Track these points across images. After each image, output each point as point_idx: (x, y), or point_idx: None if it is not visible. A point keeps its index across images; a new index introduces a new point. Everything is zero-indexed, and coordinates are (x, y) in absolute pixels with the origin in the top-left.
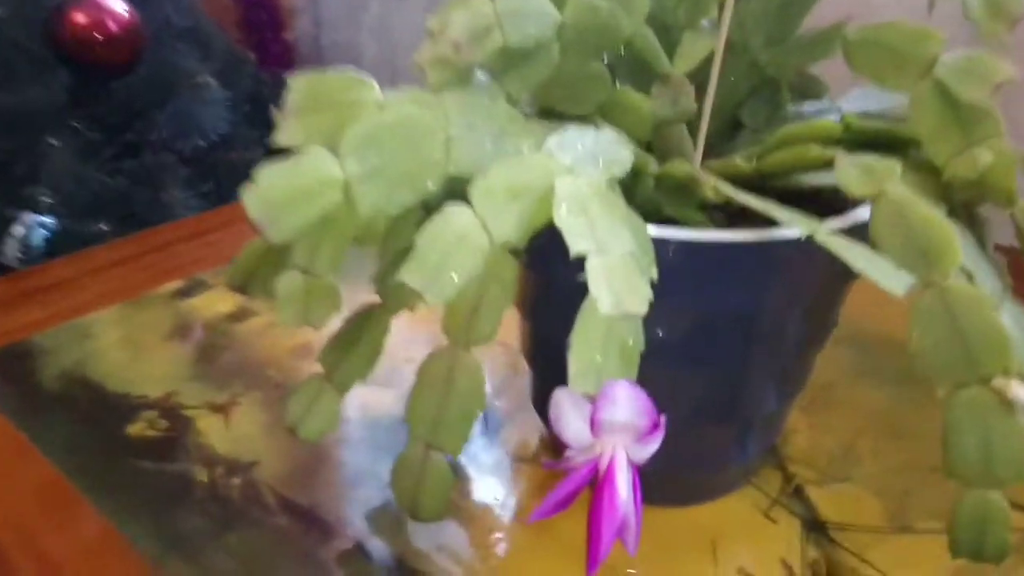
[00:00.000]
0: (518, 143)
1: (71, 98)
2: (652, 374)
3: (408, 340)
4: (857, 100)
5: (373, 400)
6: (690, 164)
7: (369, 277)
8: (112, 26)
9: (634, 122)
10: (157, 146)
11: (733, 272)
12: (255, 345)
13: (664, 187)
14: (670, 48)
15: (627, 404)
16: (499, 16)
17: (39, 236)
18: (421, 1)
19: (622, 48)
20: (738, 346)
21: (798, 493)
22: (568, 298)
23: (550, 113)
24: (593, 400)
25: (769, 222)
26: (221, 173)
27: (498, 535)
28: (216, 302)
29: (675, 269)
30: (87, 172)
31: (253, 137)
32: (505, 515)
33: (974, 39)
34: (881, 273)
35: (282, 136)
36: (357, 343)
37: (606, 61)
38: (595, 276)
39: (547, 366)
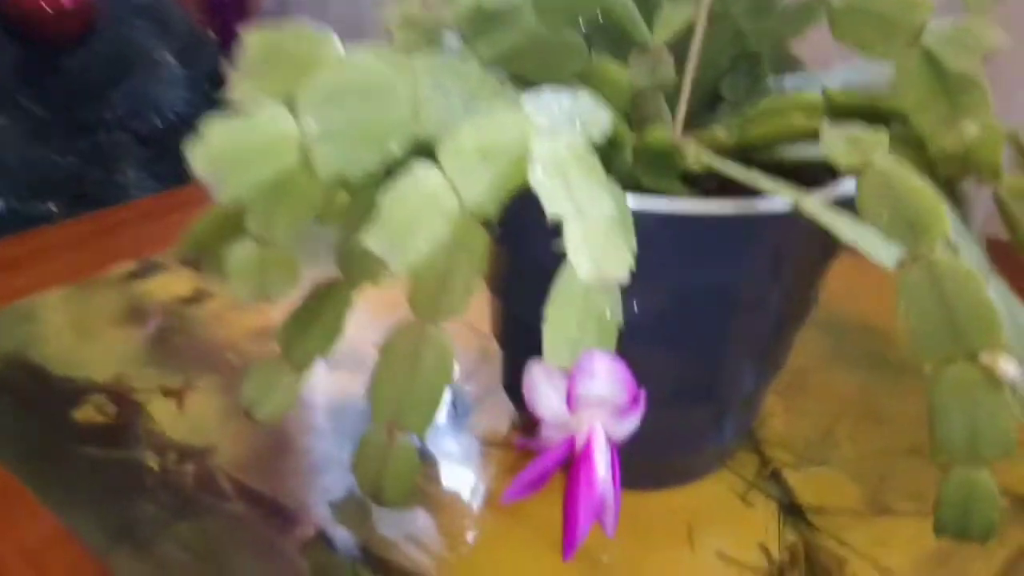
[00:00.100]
0: (491, 106)
1: (19, 74)
2: (627, 352)
3: (375, 323)
4: (838, 75)
5: (338, 385)
6: (670, 131)
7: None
8: None
9: (611, 93)
10: (111, 125)
11: (714, 245)
12: (212, 328)
13: (643, 158)
14: (649, 16)
15: (605, 377)
16: None
17: None
18: None
19: (599, 15)
20: (717, 322)
21: (775, 477)
22: (542, 274)
23: (523, 82)
24: (569, 374)
25: (751, 195)
26: (179, 154)
27: (468, 523)
28: (171, 284)
29: (654, 241)
30: (36, 151)
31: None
32: (475, 502)
33: (960, 7)
34: (870, 244)
35: (235, 95)
36: (317, 319)
37: (582, 29)
38: (573, 241)
39: (519, 347)
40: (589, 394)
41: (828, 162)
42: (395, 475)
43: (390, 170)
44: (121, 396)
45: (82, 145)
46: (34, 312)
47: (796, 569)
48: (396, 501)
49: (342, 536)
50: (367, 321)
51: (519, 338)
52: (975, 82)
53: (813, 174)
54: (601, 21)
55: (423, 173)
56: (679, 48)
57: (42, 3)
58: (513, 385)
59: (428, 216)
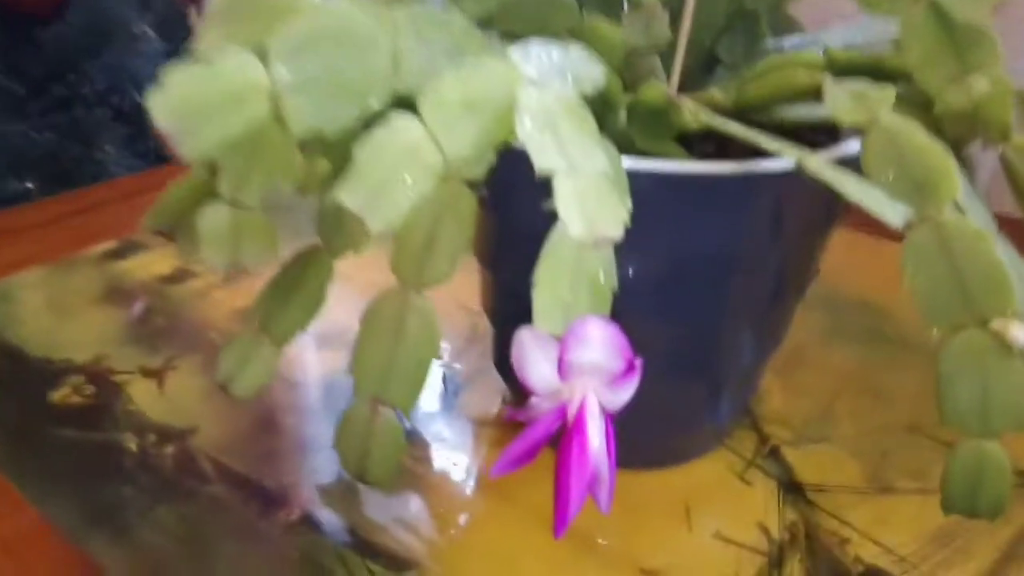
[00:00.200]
0: (476, 59)
1: None
2: (620, 323)
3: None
4: (839, 35)
5: (325, 364)
6: (666, 87)
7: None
8: None
9: (603, 52)
10: (90, 100)
11: (712, 208)
12: (194, 307)
13: (637, 117)
14: None
15: (599, 343)
16: None
17: None
18: None
19: None
20: (715, 292)
21: (774, 454)
22: (532, 240)
23: (511, 40)
24: (560, 340)
25: (750, 157)
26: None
27: (459, 505)
28: (152, 264)
29: (649, 205)
30: (11, 128)
31: None
32: (467, 483)
33: None
34: (876, 203)
35: (201, 45)
36: (297, 290)
37: None
38: (564, 197)
39: (510, 321)
40: (582, 361)
41: (829, 124)
42: (380, 452)
43: (369, 126)
44: (100, 377)
45: (59, 121)
46: (11, 292)
47: (796, 548)
48: (381, 480)
49: (328, 519)
50: (356, 298)
51: (510, 311)
52: (985, 34)
53: (813, 139)
54: None
55: (402, 124)
56: (674, 5)
57: None
58: (504, 362)
59: (408, 171)
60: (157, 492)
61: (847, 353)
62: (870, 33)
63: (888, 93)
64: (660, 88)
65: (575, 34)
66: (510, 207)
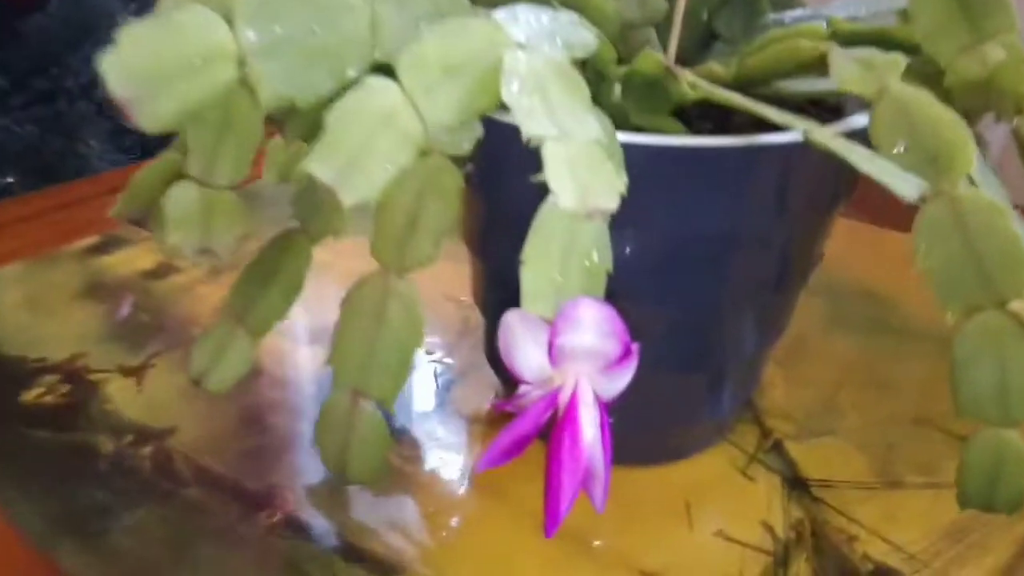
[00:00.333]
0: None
1: None
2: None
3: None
4: (842, 7)
5: (311, 361)
6: (662, 56)
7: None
8: None
9: (597, 24)
10: (73, 93)
11: (712, 186)
12: (177, 303)
13: (632, 90)
14: None
15: (592, 326)
16: None
17: None
18: None
19: None
20: (715, 276)
21: (777, 449)
22: (522, 223)
23: None
24: (551, 323)
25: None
26: None
27: (451, 506)
28: (134, 259)
29: (646, 182)
30: None
31: None
32: (458, 482)
33: None
34: (889, 175)
35: (165, 5)
36: (273, 278)
37: None
38: (554, 165)
39: (501, 310)
40: (574, 345)
41: (833, 101)
42: (362, 447)
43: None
44: (75, 376)
45: (41, 115)
46: None
47: (802, 547)
48: (364, 477)
49: (312, 521)
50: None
51: (501, 300)
52: (999, 1)
53: (816, 117)
54: None
55: (378, 87)
56: None
57: None
58: (497, 355)
59: (385, 139)
60: (132, 495)
61: (850, 343)
62: (874, 5)
63: (897, 60)
64: (656, 57)
65: (567, 5)
66: (499, 187)
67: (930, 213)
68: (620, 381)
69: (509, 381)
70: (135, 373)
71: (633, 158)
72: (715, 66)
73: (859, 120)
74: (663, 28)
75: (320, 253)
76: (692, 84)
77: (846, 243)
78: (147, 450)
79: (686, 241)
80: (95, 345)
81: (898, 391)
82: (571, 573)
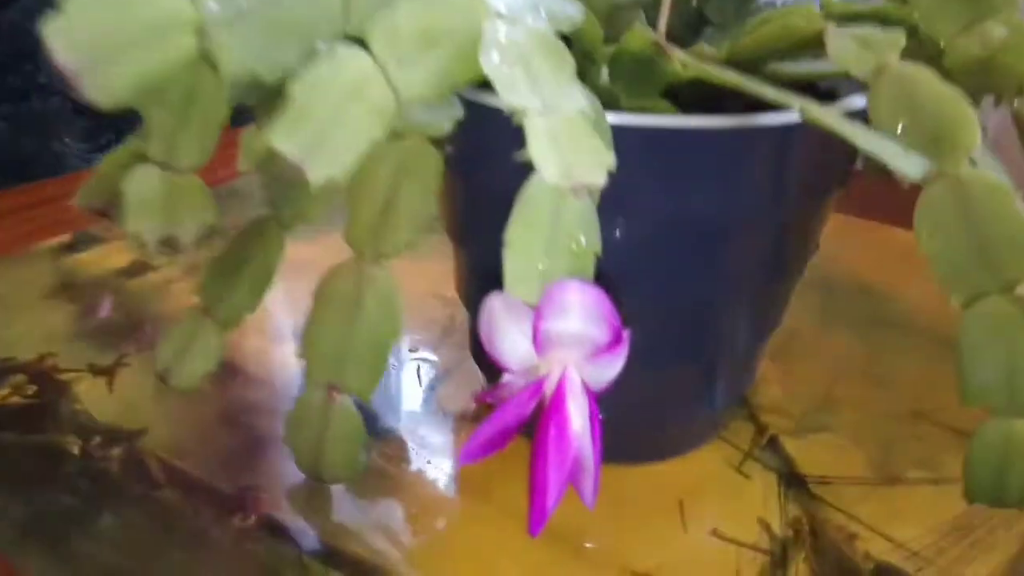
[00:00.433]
0: None
1: None
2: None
3: None
4: None
5: (286, 358)
6: (652, 32)
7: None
8: None
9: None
10: (46, 90)
11: (705, 169)
12: (152, 301)
13: (621, 70)
14: None
15: (580, 310)
16: None
17: None
18: None
19: None
20: (709, 263)
21: (772, 445)
22: (508, 211)
23: None
24: (536, 307)
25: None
26: (123, 124)
27: (435, 506)
28: (107, 257)
29: (635, 165)
30: None
31: None
32: (443, 483)
33: None
34: (891, 154)
35: None
36: (243, 268)
37: None
38: (537, 138)
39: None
40: (560, 331)
41: (828, 82)
42: (337, 445)
43: None
44: (44, 376)
45: (14, 111)
46: None
47: (800, 545)
48: (339, 475)
49: (289, 524)
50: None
51: (485, 292)
52: None
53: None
54: None
55: (348, 56)
56: None
57: None
58: (481, 351)
59: (355, 111)
60: (99, 498)
61: (846, 339)
62: None
63: (897, 37)
64: (645, 34)
65: None
66: (482, 172)
67: (932, 195)
68: (610, 369)
69: (494, 376)
70: (106, 373)
71: (622, 140)
72: (706, 47)
73: (856, 102)
74: (651, 10)
75: (301, 250)
76: (683, 63)
77: (840, 238)
78: (117, 452)
79: (677, 228)
80: (65, 344)
81: (896, 386)
82: (560, 574)
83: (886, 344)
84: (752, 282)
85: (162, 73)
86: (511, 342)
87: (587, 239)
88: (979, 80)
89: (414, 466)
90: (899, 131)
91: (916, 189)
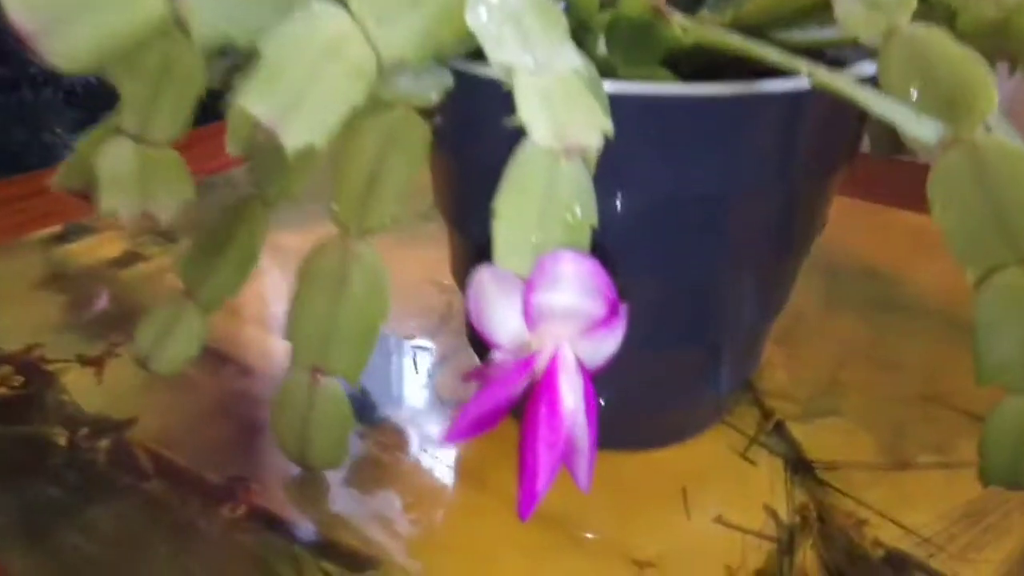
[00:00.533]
0: None
1: None
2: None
3: None
4: None
5: (277, 346)
6: None
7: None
8: None
9: None
10: (37, 81)
11: (707, 139)
12: (142, 291)
13: (618, 37)
14: None
15: (573, 282)
16: None
17: None
18: None
19: None
20: (711, 239)
21: (779, 430)
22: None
23: None
24: (527, 280)
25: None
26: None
27: (432, 495)
28: (98, 247)
29: (634, 136)
30: None
31: None
32: (440, 471)
33: None
34: (905, 118)
35: None
36: (226, 248)
37: None
38: (527, 98)
39: None
40: (552, 304)
41: (836, 50)
42: (323, 429)
43: None
44: (31, 366)
45: (4, 102)
46: None
47: (808, 532)
48: (325, 460)
49: (280, 514)
50: None
51: None
52: None
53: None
54: None
55: (323, 12)
56: None
57: None
58: (477, 337)
59: (332, 72)
60: (85, 490)
61: (853, 322)
62: None
63: None
64: None
65: None
66: (475, 148)
67: (947, 163)
68: (606, 346)
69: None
70: (95, 363)
71: (620, 109)
72: (707, 14)
73: (866, 68)
74: None
75: (295, 238)
76: (683, 27)
77: (846, 221)
78: (104, 443)
79: (679, 202)
80: (54, 335)
81: (904, 369)
82: (560, 564)
83: (893, 327)
84: (756, 259)
85: (128, 37)
86: (501, 317)
87: (582, 210)
88: (993, 44)
89: (410, 455)
90: (912, 97)
91: (922, 170)
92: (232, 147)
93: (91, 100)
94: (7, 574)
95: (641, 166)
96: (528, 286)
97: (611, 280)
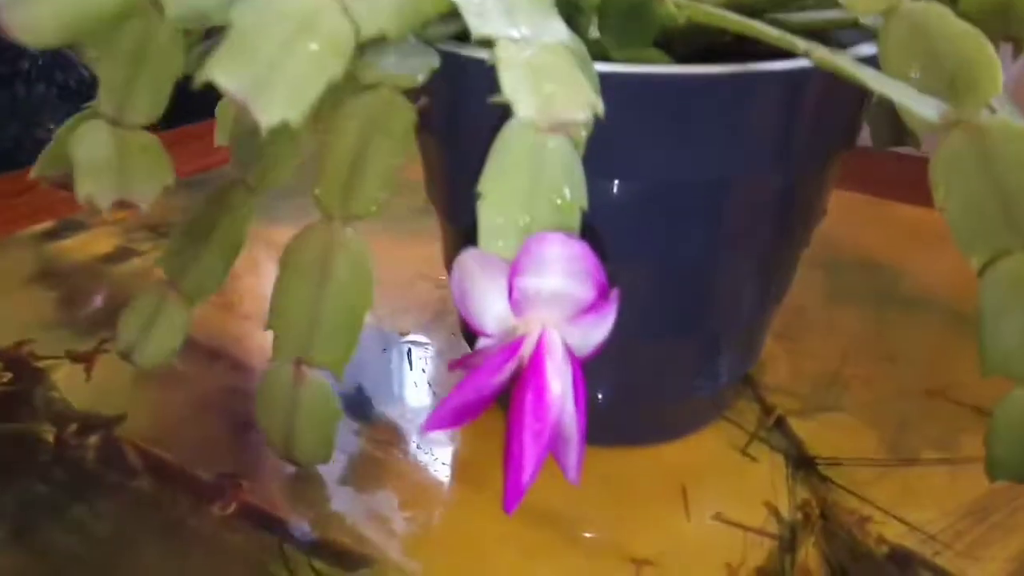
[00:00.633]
0: None
1: None
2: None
3: None
4: None
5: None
6: None
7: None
8: None
9: None
10: (30, 76)
11: (703, 122)
12: (134, 287)
13: (610, 20)
14: None
15: (560, 264)
16: None
17: None
18: None
19: None
20: (708, 226)
21: (780, 426)
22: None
23: None
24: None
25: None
26: None
27: (426, 492)
28: (91, 243)
29: (627, 119)
30: None
31: None
32: (434, 469)
33: None
34: (905, 96)
35: None
36: (209, 237)
37: None
38: (510, 71)
39: None
40: (539, 288)
41: (837, 31)
42: (308, 424)
43: None
44: (20, 363)
45: None
46: None
47: (810, 529)
48: (313, 456)
49: (270, 512)
50: None
51: None
52: None
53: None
54: None
55: None
56: None
57: None
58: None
59: (307, 44)
60: (72, 488)
61: (855, 316)
62: None
63: None
64: None
65: None
66: (464, 132)
67: (950, 146)
68: (596, 332)
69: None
70: (85, 359)
71: (613, 91)
72: None
73: (866, 49)
74: None
75: (288, 233)
76: (677, 4)
77: (847, 214)
78: (93, 439)
79: (673, 188)
80: (44, 331)
81: (908, 363)
82: (555, 563)
83: (896, 321)
84: (755, 247)
85: (97, 11)
86: (487, 302)
87: (572, 192)
88: (997, 25)
89: (404, 452)
90: (913, 76)
91: (923, 163)
92: (221, 137)
93: (85, 96)
94: None
95: (635, 150)
96: (513, 268)
97: (601, 263)
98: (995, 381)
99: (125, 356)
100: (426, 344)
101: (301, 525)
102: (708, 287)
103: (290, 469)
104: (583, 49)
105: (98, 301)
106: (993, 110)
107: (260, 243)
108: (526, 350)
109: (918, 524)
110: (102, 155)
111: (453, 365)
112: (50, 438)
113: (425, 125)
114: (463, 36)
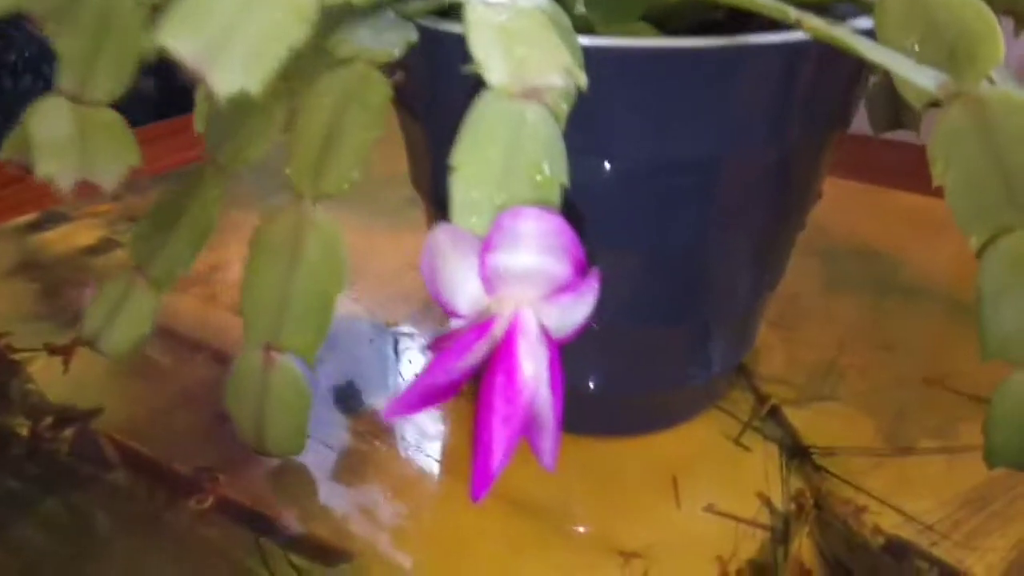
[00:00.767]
0: None
1: None
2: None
3: None
4: None
5: None
6: None
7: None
8: None
9: None
10: (17, 69)
11: (694, 98)
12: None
13: None
14: None
15: (535, 239)
16: None
17: None
18: None
19: None
20: (699, 207)
21: (774, 415)
22: None
23: None
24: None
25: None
26: None
27: (410, 485)
28: (74, 235)
29: (614, 95)
30: None
31: None
32: (419, 461)
33: None
34: (903, 66)
35: None
36: (179, 220)
37: None
38: (480, 33)
39: None
40: (512, 264)
41: (832, 7)
42: (278, 412)
43: None
44: None
45: None
46: None
47: (804, 520)
48: (284, 448)
49: (248, 505)
50: None
51: None
52: None
53: None
54: None
55: None
56: None
57: None
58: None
59: (267, 7)
60: (46, 482)
61: (851, 304)
62: None
63: None
64: None
65: None
66: (441, 109)
67: (949, 119)
68: (575, 312)
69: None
70: (63, 351)
71: (597, 67)
72: None
73: (862, 23)
74: None
75: None
76: None
77: (843, 202)
78: (68, 433)
79: (662, 168)
80: (23, 324)
81: (905, 352)
82: (544, 556)
83: (893, 309)
84: (748, 228)
85: None
86: (459, 281)
87: (551, 166)
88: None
89: (389, 444)
90: (912, 47)
91: (921, 151)
92: (199, 124)
93: None
94: None
95: (622, 127)
96: (485, 244)
97: (579, 239)
98: (994, 369)
99: (91, 344)
100: (414, 335)
101: (280, 519)
102: (700, 272)
103: (271, 462)
104: (565, 19)
105: (87, 294)
106: (993, 82)
107: (245, 233)
108: (498, 330)
109: (915, 514)
110: (63, 133)
111: (430, 347)
112: (24, 432)
113: (401, 101)
114: (444, 13)
